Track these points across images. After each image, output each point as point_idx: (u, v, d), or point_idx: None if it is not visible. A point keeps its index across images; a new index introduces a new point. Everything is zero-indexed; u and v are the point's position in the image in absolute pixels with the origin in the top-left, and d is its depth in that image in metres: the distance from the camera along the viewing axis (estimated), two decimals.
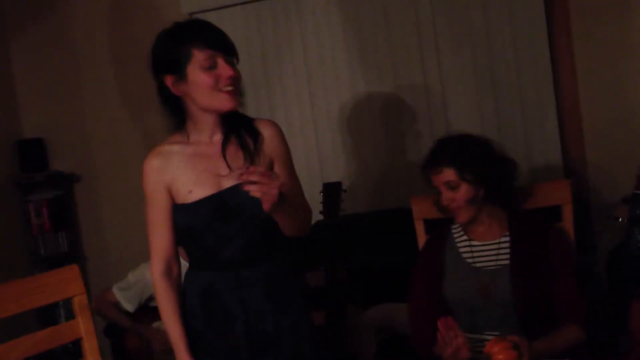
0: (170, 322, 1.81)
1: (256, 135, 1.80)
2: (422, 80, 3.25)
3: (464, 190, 2.00)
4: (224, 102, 1.73)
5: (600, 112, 3.05)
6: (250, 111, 1.89)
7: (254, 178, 1.59)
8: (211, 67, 1.70)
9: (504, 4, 3.11)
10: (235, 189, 1.73)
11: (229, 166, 1.76)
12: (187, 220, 1.79)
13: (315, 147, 3.42)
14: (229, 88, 1.72)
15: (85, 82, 3.79)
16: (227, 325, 1.80)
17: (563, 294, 1.97)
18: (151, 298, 2.78)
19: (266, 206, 1.62)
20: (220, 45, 1.72)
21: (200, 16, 3.44)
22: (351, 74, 3.35)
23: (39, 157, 3.81)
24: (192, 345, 1.81)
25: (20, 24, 3.85)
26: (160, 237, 1.82)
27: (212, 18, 3.40)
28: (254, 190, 1.59)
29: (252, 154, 1.77)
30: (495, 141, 2.13)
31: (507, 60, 3.13)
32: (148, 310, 2.79)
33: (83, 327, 1.71)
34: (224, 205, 1.75)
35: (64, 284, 1.70)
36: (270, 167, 1.82)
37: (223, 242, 1.78)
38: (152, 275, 1.84)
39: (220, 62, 1.71)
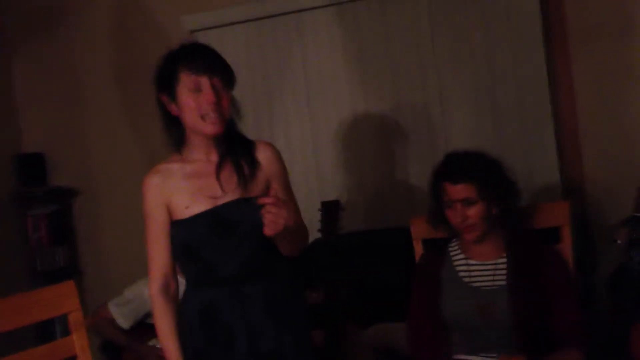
0: (167, 340, 1.82)
1: (253, 161, 1.83)
2: (422, 99, 3.26)
3: (479, 208, 1.96)
4: (205, 127, 1.76)
5: (598, 133, 3.06)
6: (250, 128, 1.91)
7: (268, 205, 1.64)
8: (196, 91, 1.74)
9: (504, 25, 3.12)
10: (231, 205, 1.75)
11: (222, 189, 1.78)
12: (184, 236, 1.80)
13: (314, 165, 3.42)
14: (211, 114, 1.74)
15: (85, 97, 3.80)
16: (228, 342, 1.79)
17: (562, 316, 1.95)
18: (148, 315, 2.76)
19: (268, 232, 1.66)
20: (207, 70, 1.74)
21: (202, 34, 3.47)
22: (351, 92, 3.36)
23: (39, 171, 3.81)
24: None
25: (23, 39, 3.87)
26: (158, 254, 1.83)
27: (213, 36, 3.42)
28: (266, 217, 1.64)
29: (246, 179, 1.80)
30: (501, 160, 2.10)
31: (507, 80, 3.14)
32: (145, 327, 2.77)
33: (78, 344, 1.70)
34: (220, 220, 1.76)
35: (59, 300, 1.70)
36: (268, 188, 1.84)
37: (221, 257, 1.78)
38: (150, 292, 1.84)
39: (206, 87, 1.74)
